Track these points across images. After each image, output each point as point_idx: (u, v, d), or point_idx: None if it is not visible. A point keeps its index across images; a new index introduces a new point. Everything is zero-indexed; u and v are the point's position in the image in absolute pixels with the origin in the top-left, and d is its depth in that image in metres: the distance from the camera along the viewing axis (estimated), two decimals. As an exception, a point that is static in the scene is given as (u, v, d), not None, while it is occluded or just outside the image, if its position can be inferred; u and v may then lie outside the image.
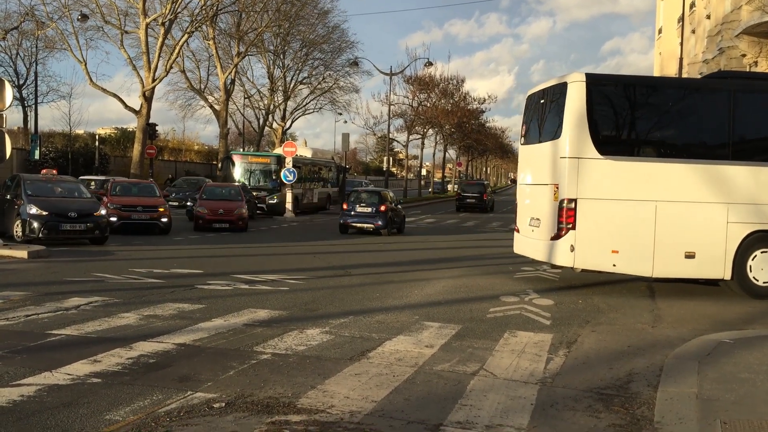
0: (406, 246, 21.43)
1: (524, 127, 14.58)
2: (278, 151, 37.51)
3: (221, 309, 9.73)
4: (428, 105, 58.66)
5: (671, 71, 46.44)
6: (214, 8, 40.62)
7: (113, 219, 20.41)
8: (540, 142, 13.47)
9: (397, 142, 64.54)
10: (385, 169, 55.93)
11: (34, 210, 17.12)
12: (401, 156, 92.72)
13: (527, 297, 11.84)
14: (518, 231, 14.48)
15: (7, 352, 7.03)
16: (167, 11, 37.08)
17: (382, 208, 24.52)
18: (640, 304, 11.70)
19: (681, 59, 30.19)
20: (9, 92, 15.65)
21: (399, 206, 27.15)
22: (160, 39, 38.02)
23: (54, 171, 20.84)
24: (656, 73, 56.22)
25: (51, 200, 17.91)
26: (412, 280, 13.59)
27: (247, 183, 32.87)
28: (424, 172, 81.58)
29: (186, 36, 40.42)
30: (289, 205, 32.74)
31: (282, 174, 32.18)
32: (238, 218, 24.01)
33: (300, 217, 32.77)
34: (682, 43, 31.55)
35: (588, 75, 12.29)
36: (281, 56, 54.00)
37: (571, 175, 11.98)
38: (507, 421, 5.51)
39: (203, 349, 7.50)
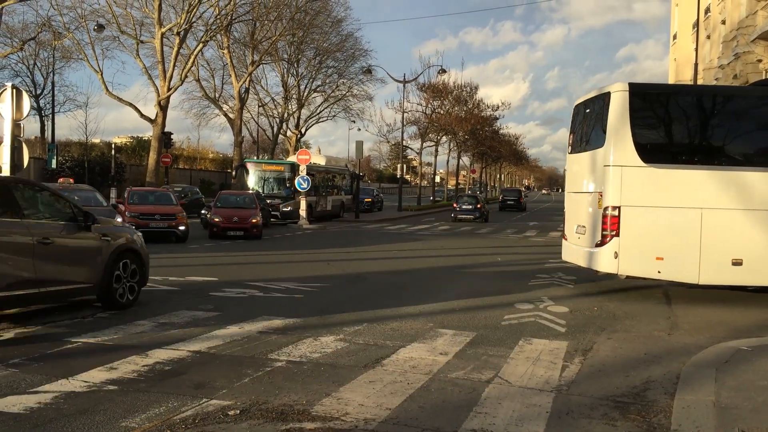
0: (421, 253, 21.40)
1: (571, 136, 14.82)
2: (292, 159, 37.64)
3: (236, 316, 9.76)
4: (442, 112, 58.70)
5: (686, 77, 46.17)
6: (229, 17, 40.95)
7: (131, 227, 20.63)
8: (585, 150, 13.71)
9: (411, 149, 64.73)
10: (399, 176, 55.97)
11: None
12: (415, 163, 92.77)
13: (542, 304, 11.79)
14: (566, 238, 14.69)
15: (25, 359, 7.09)
16: (182, 21, 37.42)
17: (479, 205, 41.02)
18: (656, 311, 11.61)
19: (696, 65, 30.03)
20: (26, 102, 15.79)
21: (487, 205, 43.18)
22: (176, 48, 38.36)
23: (71, 180, 21.06)
24: (671, 80, 55.93)
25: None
26: (426, 287, 13.57)
27: (261, 191, 33.00)
28: (437, 179, 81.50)
29: (201, 45, 40.75)
30: (303, 213, 32.82)
31: (296, 182, 32.27)
32: (253, 226, 24.10)
33: (314, 225, 32.84)
34: (697, 49, 31.41)
35: (631, 84, 12.49)
36: (295, 64, 54.29)
37: (615, 183, 12.19)
38: (522, 429, 5.48)
39: (218, 356, 7.52)
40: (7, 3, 31.72)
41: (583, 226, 13.37)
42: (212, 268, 15.74)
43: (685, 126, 12.87)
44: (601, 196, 12.45)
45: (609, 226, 12.19)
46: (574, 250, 13.99)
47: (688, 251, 11.97)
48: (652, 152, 12.33)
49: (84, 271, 9.35)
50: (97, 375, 6.58)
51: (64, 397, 5.91)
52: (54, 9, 36.45)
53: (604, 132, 12.51)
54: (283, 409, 5.75)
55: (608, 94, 12.57)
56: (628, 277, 12.82)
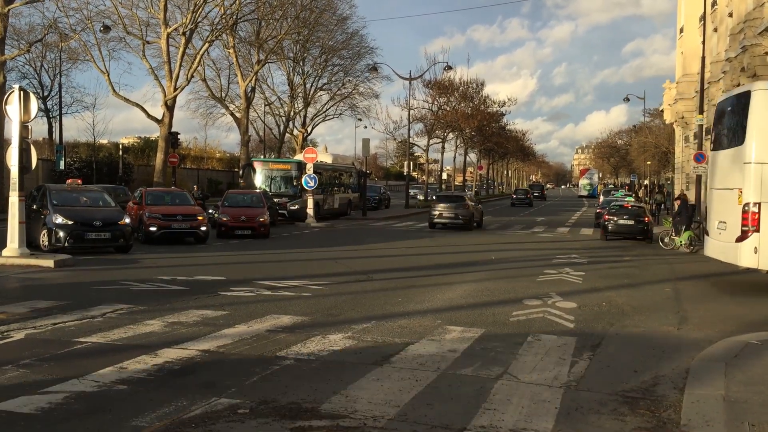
0: (429, 250, 21.40)
1: (713, 133, 15.19)
2: (299, 157, 37.66)
3: (244, 315, 9.79)
4: (448, 109, 58.62)
5: (694, 70, 45.92)
6: (234, 17, 40.95)
7: (153, 228, 20.63)
8: (726, 148, 13.93)
9: (418, 146, 64.68)
10: (405, 173, 55.94)
11: (59, 219, 17.31)
12: (422, 160, 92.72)
13: (550, 300, 11.77)
14: (708, 234, 14.90)
15: (35, 360, 7.13)
16: (188, 21, 37.46)
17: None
18: (665, 306, 11.58)
19: (703, 58, 29.86)
20: (34, 104, 15.88)
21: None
22: (181, 48, 38.41)
23: (79, 181, 21.06)
24: (678, 73, 55.68)
25: (76, 209, 18.09)
26: (435, 285, 13.57)
27: (268, 189, 33.01)
28: (444, 176, 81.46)
29: (207, 45, 40.79)
30: (310, 211, 32.83)
31: (303, 180, 32.29)
32: (260, 225, 24.11)
33: (321, 223, 32.86)
34: (704, 42, 31.24)
35: None
36: (301, 63, 54.28)
37: (755, 179, 12.46)
38: (531, 425, 5.48)
39: (227, 355, 7.55)
40: (14, 5, 31.83)
41: (724, 222, 13.66)
42: (220, 267, 15.79)
43: None
44: (741, 192, 12.72)
45: (749, 222, 12.47)
46: (715, 246, 14.22)
47: None
48: None
49: None
50: (107, 374, 6.61)
51: (74, 397, 5.94)
52: (60, 11, 36.54)
53: (745, 130, 12.77)
54: (292, 408, 5.76)
55: (748, 93, 12.87)
56: None
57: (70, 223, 17.34)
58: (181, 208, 22.30)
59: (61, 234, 17.17)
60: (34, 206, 18.33)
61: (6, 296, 11.14)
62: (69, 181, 20.27)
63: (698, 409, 5.74)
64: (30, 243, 17.61)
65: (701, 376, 6.75)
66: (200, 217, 21.78)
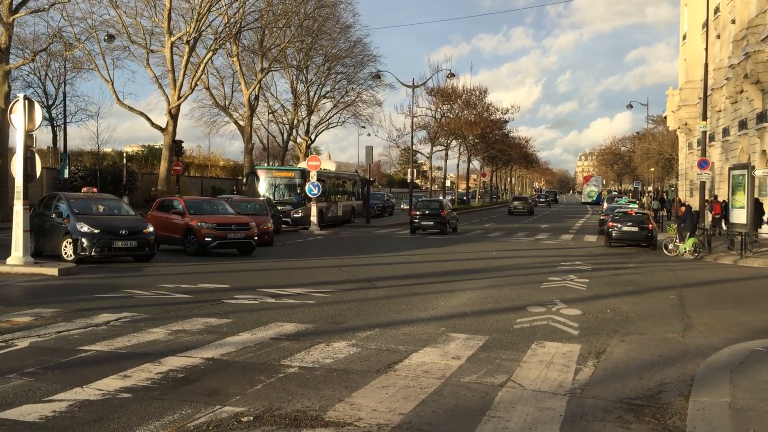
0: (432, 258, 21.39)
1: None
2: (302, 165, 37.73)
3: (248, 323, 9.79)
4: (451, 116, 58.70)
5: (697, 77, 45.93)
6: (238, 25, 41.13)
7: (209, 239, 20.03)
8: None
9: (421, 153, 64.76)
10: (409, 181, 55.97)
11: (85, 228, 16.95)
12: (425, 168, 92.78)
13: (554, 307, 11.75)
14: None
15: (39, 368, 7.13)
16: (192, 30, 37.62)
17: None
18: (670, 313, 11.55)
19: (706, 65, 29.88)
20: (39, 113, 15.94)
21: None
22: (185, 57, 38.56)
23: (94, 189, 20.78)
24: (681, 80, 55.70)
25: (102, 218, 17.82)
26: (438, 292, 13.56)
27: (272, 197, 33.07)
28: (448, 183, 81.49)
29: (210, 53, 40.94)
30: (313, 219, 32.87)
31: (306, 188, 32.35)
32: (264, 232, 24.11)
33: (325, 230, 32.88)
34: (707, 49, 31.24)
35: None
36: (304, 71, 54.39)
37: None
38: (536, 433, 5.46)
39: (231, 363, 7.54)
40: (18, 15, 32.00)
41: None
42: (224, 275, 15.79)
43: None
44: None
45: None
46: None
47: None
48: None
49: None
50: (111, 383, 6.61)
51: (78, 405, 5.94)
52: (65, 20, 36.73)
53: None
54: (296, 415, 5.76)
55: None
56: None
57: (96, 231, 17.06)
58: (232, 218, 21.54)
59: (88, 243, 16.88)
60: (52, 215, 18.02)
61: (10, 304, 11.15)
62: (84, 189, 19.99)
63: (704, 416, 5.72)
64: (39, 252, 17.64)
65: (706, 384, 6.72)
66: (252, 227, 21.13)
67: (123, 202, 20.33)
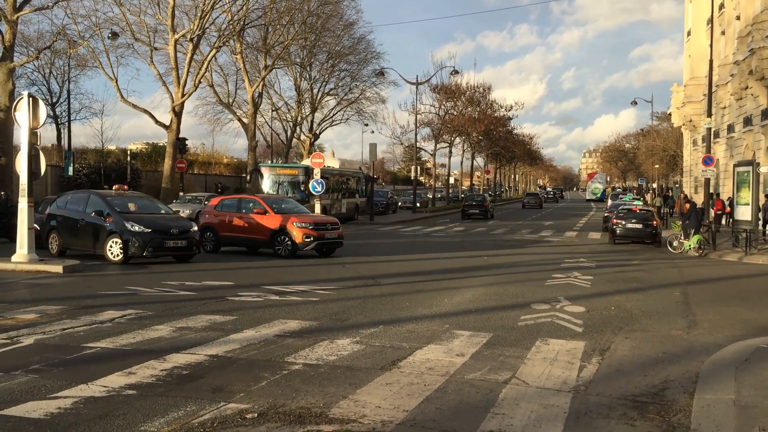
0: (436, 255, 21.38)
1: None
2: (306, 162, 37.72)
3: (252, 320, 9.80)
4: (455, 113, 58.64)
5: (701, 73, 45.80)
6: (241, 23, 41.12)
7: (308, 239, 19.05)
8: None
9: (425, 151, 64.66)
10: (413, 178, 55.94)
11: (137, 227, 16.66)
12: (429, 165, 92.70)
13: (558, 304, 11.74)
14: None
15: (45, 365, 7.15)
16: (195, 27, 37.61)
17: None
18: (674, 310, 11.53)
19: (711, 61, 29.76)
20: (43, 110, 15.97)
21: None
22: (189, 54, 38.55)
23: (125, 186, 20.30)
24: (686, 76, 55.53)
25: (150, 217, 17.49)
26: (442, 289, 13.56)
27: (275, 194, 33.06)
28: (451, 180, 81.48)
29: (214, 51, 40.92)
30: (317, 216, 32.83)
31: (310, 185, 32.32)
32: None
33: (329, 228, 32.84)
34: (711, 45, 31.11)
35: None
36: (308, 68, 54.37)
37: None
38: (540, 430, 5.46)
39: (235, 360, 7.56)
40: (22, 13, 32.03)
41: None
42: (229, 272, 15.81)
43: None
44: None
45: None
46: None
47: None
48: None
49: None
50: (115, 380, 6.63)
51: (83, 402, 5.95)
52: (69, 18, 36.73)
53: None
54: (301, 412, 5.76)
55: None
56: None
57: (148, 231, 16.76)
58: (324, 217, 20.99)
59: (141, 243, 16.59)
60: (92, 213, 17.33)
61: (15, 301, 11.19)
62: (116, 186, 19.60)
63: (708, 413, 5.71)
64: (63, 251, 17.63)
65: (711, 381, 6.71)
66: (341, 228, 20.62)
67: (156, 201, 19.92)
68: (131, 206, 17.99)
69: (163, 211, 18.78)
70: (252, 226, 19.93)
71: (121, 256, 16.70)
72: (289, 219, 19.47)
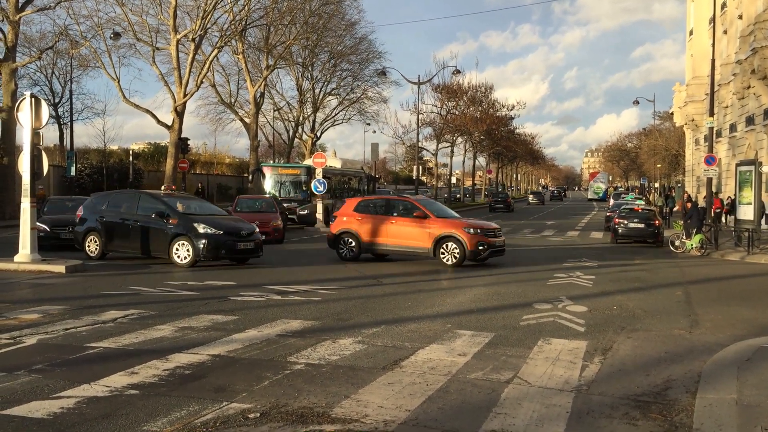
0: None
1: None
2: (308, 162, 37.73)
3: (255, 320, 9.81)
4: (457, 113, 58.62)
5: (703, 73, 45.76)
6: (243, 23, 41.13)
7: (482, 247, 17.46)
8: None
9: (427, 150, 64.67)
10: (415, 177, 55.96)
11: (208, 230, 16.28)
12: (431, 165, 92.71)
13: (561, 304, 11.73)
14: None
15: (47, 365, 7.17)
16: (197, 27, 37.63)
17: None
18: (676, 310, 11.52)
19: (713, 60, 29.73)
20: (45, 110, 15.99)
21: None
22: (191, 54, 38.56)
23: (173, 187, 19.98)
24: (688, 76, 55.49)
25: (218, 219, 17.23)
26: (444, 288, 13.56)
27: (277, 194, 33.10)
28: (453, 180, 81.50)
29: (216, 51, 40.95)
30: (319, 216, 32.87)
31: (312, 185, 32.35)
32: (274, 230, 24.05)
33: (331, 228, 32.84)
34: (714, 44, 31.09)
35: None
36: (309, 68, 54.40)
37: None
38: (542, 430, 5.46)
39: (238, 359, 7.57)
40: (25, 13, 32.08)
41: None
42: (230, 272, 15.82)
43: None
44: None
45: None
46: None
47: None
48: None
49: None
50: (118, 379, 6.64)
51: (86, 401, 5.97)
52: (71, 18, 36.77)
53: None
54: (303, 412, 5.77)
55: None
56: None
57: (220, 233, 16.36)
58: (488, 224, 19.31)
59: (213, 245, 16.19)
60: (153, 215, 16.76)
61: (18, 301, 11.21)
62: (164, 187, 19.38)
63: (711, 413, 5.71)
64: (104, 254, 17.40)
65: (713, 380, 6.71)
66: (503, 234, 19.30)
67: (206, 201, 19.42)
68: (186, 207, 17.46)
69: (222, 213, 18.42)
70: (411, 232, 18.02)
71: (189, 259, 16.25)
72: (456, 224, 17.84)
